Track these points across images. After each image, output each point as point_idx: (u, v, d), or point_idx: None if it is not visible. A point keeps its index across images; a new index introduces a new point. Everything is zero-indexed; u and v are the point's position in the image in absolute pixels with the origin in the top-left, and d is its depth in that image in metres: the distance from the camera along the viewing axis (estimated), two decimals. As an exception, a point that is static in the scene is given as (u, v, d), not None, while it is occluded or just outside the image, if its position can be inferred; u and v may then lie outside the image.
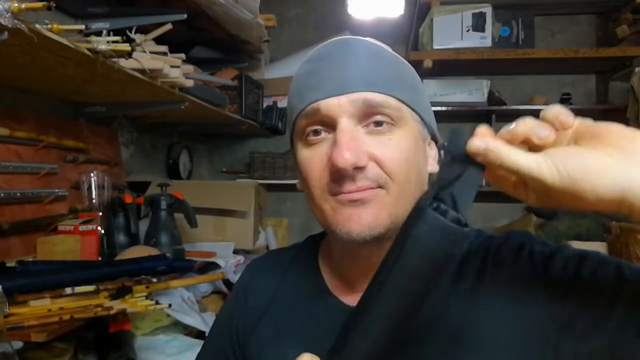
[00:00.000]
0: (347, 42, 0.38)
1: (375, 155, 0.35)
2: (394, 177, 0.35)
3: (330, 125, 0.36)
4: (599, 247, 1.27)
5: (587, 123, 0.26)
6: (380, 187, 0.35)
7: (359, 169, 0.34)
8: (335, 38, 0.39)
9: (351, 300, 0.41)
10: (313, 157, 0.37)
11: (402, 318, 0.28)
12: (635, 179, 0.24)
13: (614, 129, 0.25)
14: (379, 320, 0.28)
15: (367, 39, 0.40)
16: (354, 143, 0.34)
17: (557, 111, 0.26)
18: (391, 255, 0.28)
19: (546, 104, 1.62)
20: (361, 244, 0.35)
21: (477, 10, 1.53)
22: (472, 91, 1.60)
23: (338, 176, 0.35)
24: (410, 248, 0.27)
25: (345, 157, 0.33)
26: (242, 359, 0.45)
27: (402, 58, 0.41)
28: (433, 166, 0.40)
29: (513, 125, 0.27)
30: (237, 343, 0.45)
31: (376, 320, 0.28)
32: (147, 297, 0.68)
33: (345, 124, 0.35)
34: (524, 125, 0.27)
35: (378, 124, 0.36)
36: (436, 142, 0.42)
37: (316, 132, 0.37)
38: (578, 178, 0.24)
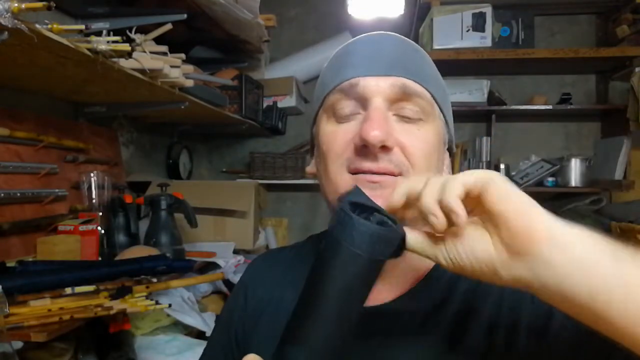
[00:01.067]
0: (387, 35, 0.39)
1: (402, 141, 0.35)
2: (416, 166, 0.35)
3: (363, 104, 0.36)
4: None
5: (489, 204, 0.26)
6: (400, 174, 0.35)
7: (384, 148, 0.34)
8: (371, 32, 0.40)
9: None
10: (338, 132, 0.36)
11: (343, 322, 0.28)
12: (520, 279, 0.25)
13: (512, 217, 0.25)
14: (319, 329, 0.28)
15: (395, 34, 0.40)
16: (384, 121, 0.34)
17: (452, 205, 0.25)
18: (324, 265, 0.28)
19: (546, 103, 1.62)
20: None
21: (477, 10, 1.53)
22: (472, 91, 1.60)
23: (363, 152, 0.34)
24: (342, 259, 0.27)
25: (375, 133, 0.33)
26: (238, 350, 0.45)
27: (426, 53, 0.41)
28: (445, 173, 0.40)
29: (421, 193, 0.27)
30: (236, 343, 0.45)
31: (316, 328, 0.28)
32: (147, 297, 0.68)
33: (379, 103, 0.35)
34: (424, 202, 0.27)
35: (407, 114, 0.36)
36: (450, 153, 0.42)
37: (346, 110, 0.37)
38: (469, 270, 0.26)
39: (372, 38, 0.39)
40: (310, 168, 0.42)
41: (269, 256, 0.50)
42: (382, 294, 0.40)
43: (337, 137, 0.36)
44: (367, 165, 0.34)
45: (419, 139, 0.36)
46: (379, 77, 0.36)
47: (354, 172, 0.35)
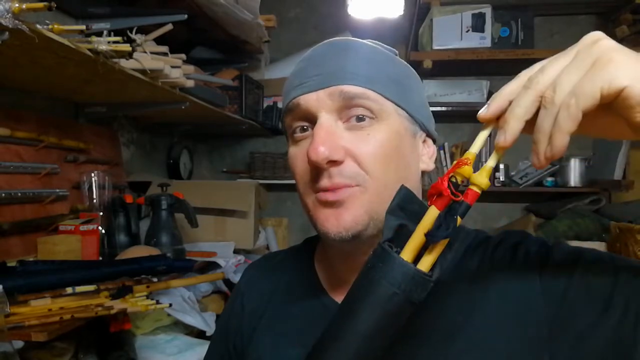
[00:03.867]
0: (336, 42, 0.38)
1: (352, 151, 0.35)
2: (372, 173, 0.35)
3: (312, 121, 0.36)
4: (598, 246, 1.27)
5: (631, 119, 0.23)
6: (357, 184, 0.35)
7: (334, 163, 0.34)
8: (333, 39, 0.40)
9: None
10: (298, 153, 0.37)
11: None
12: None
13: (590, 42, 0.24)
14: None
15: (366, 40, 0.39)
16: (329, 137, 0.34)
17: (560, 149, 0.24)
18: (358, 299, 0.28)
19: (546, 104, 1.62)
20: (341, 243, 0.36)
21: (476, 11, 1.54)
22: (471, 91, 1.60)
23: (315, 172, 0.35)
24: (379, 296, 0.27)
25: (319, 151, 0.33)
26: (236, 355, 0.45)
27: (398, 58, 0.40)
28: (427, 164, 0.40)
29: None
30: (233, 347, 0.46)
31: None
32: (147, 297, 0.68)
33: (324, 119, 0.35)
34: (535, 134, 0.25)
35: (359, 119, 0.35)
36: (434, 141, 0.42)
37: (302, 129, 0.37)
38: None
39: (317, 51, 0.39)
40: None
41: (265, 260, 0.50)
42: None
43: (296, 160, 0.37)
44: (322, 183, 0.35)
45: (370, 144, 0.35)
46: (318, 91, 0.36)
47: (316, 192, 0.36)
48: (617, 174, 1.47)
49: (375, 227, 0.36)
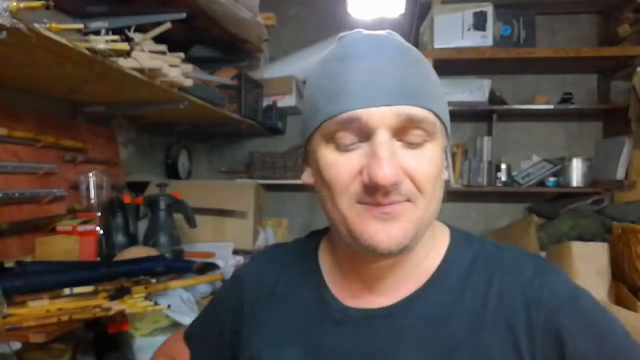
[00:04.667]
0: (378, 40, 0.36)
1: (409, 171, 0.35)
2: (424, 191, 0.35)
3: (365, 134, 0.35)
4: (600, 247, 1.26)
5: None
6: (408, 200, 0.35)
7: (396, 184, 0.34)
8: (359, 32, 0.38)
9: (351, 301, 0.40)
10: (342, 164, 0.35)
11: None
12: None
13: None
14: None
15: (391, 34, 0.38)
16: (392, 159, 0.34)
17: None
18: None
19: (547, 103, 1.61)
20: (385, 256, 0.36)
21: (478, 9, 1.53)
22: (473, 90, 1.59)
23: (372, 189, 0.34)
24: None
25: (386, 174, 0.33)
26: (230, 346, 0.45)
27: (423, 56, 0.39)
28: (445, 173, 0.40)
29: None
30: (229, 339, 0.46)
31: None
32: (145, 298, 0.67)
33: (385, 137, 0.34)
34: None
35: (414, 141, 0.35)
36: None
37: (346, 140, 0.35)
38: None
39: (369, 54, 0.35)
40: (306, 178, 0.41)
41: (270, 251, 0.50)
42: (383, 295, 0.40)
43: (340, 169, 0.35)
44: (378, 199, 0.34)
45: (425, 163, 0.35)
46: (381, 107, 0.34)
47: (362, 203, 0.35)
48: (620, 174, 1.47)
49: (416, 241, 0.36)
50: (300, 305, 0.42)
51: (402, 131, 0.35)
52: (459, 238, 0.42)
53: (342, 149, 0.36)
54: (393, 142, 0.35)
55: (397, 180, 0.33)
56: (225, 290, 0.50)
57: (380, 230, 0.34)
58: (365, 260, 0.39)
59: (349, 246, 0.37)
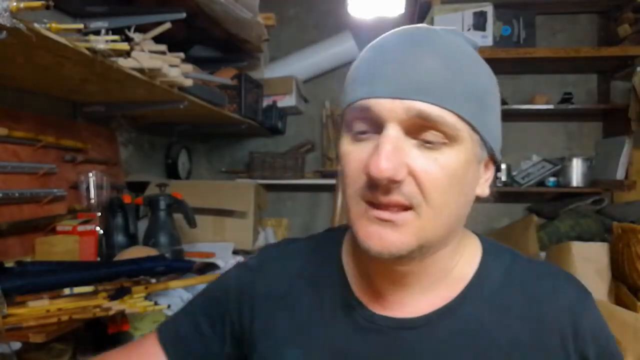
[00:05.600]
0: (415, 35, 0.34)
1: (415, 171, 0.32)
2: (429, 199, 0.32)
3: (378, 126, 0.33)
4: (600, 247, 1.26)
5: None
6: (411, 207, 0.33)
7: (394, 181, 0.32)
8: (414, 26, 0.36)
9: (378, 307, 0.38)
10: (354, 155, 0.34)
11: None
12: None
13: None
14: None
15: (446, 29, 0.35)
16: (395, 154, 0.31)
17: None
18: None
19: (547, 103, 1.61)
20: (386, 262, 0.35)
21: (478, 9, 1.53)
22: (472, 91, 1.59)
23: (372, 183, 0.33)
24: None
25: (381, 168, 0.31)
26: (247, 356, 0.42)
27: (481, 60, 0.36)
28: (483, 189, 0.37)
29: None
30: (230, 330, 0.43)
31: None
32: (145, 298, 0.67)
33: (393, 132, 0.32)
34: None
35: (430, 140, 0.32)
36: (494, 163, 0.38)
37: (361, 129, 0.34)
38: None
39: (394, 41, 0.34)
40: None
41: (284, 247, 0.46)
42: (411, 304, 0.38)
43: (351, 160, 0.34)
44: (378, 197, 0.32)
45: (436, 168, 0.32)
46: (393, 100, 0.32)
47: (367, 202, 0.34)
48: (620, 174, 1.47)
49: (421, 251, 0.34)
50: (322, 308, 0.39)
51: (416, 129, 0.32)
52: (489, 249, 0.40)
53: (357, 138, 0.34)
54: (404, 139, 0.33)
55: (395, 176, 0.31)
56: (227, 280, 0.44)
57: (374, 234, 0.33)
58: (383, 264, 0.37)
59: None
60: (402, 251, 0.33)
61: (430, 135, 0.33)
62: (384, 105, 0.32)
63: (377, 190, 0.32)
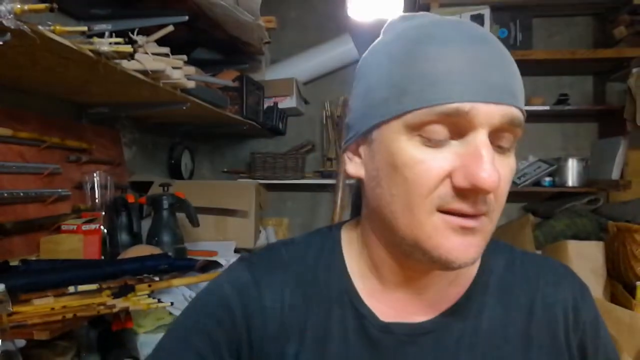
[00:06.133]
0: (468, 27, 0.32)
1: (500, 179, 0.30)
2: (500, 203, 0.32)
3: (462, 131, 0.30)
4: (596, 246, 1.27)
5: None
6: (487, 213, 0.31)
7: (494, 190, 0.30)
8: (430, 14, 0.33)
9: (390, 314, 0.36)
10: (429, 162, 0.30)
11: None
12: None
13: None
14: None
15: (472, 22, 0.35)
16: (493, 163, 0.29)
17: None
18: None
19: (544, 104, 1.63)
20: (453, 269, 0.32)
21: (475, 12, 1.54)
22: (470, 92, 1.60)
23: (463, 194, 0.30)
24: None
25: (492, 177, 0.28)
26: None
27: None
28: None
29: None
30: (236, 343, 0.36)
31: None
32: (149, 296, 0.68)
33: (485, 137, 0.30)
34: None
35: (504, 145, 0.31)
36: None
37: (439, 135, 0.30)
38: None
39: (464, 41, 0.30)
40: (354, 170, 0.35)
41: (276, 254, 0.40)
42: (425, 307, 0.36)
43: (428, 169, 0.30)
44: (465, 208, 0.30)
45: (508, 172, 0.32)
46: (489, 104, 0.29)
47: (444, 211, 0.31)
48: (615, 174, 1.48)
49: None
50: (332, 324, 0.36)
51: (498, 133, 0.31)
52: (489, 244, 0.37)
53: (432, 144, 0.30)
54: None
55: (497, 186, 0.29)
56: (215, 302, 0.37)
57: (460, 245, 0.31)
58: (420, 270, 0.35)
59: (405, 254, 0.33)
60: (478, 255, 0.32)
61: (505, 140, 0.31)
62: (482, 110, 0.29)
63: (466, 200, 0.30)
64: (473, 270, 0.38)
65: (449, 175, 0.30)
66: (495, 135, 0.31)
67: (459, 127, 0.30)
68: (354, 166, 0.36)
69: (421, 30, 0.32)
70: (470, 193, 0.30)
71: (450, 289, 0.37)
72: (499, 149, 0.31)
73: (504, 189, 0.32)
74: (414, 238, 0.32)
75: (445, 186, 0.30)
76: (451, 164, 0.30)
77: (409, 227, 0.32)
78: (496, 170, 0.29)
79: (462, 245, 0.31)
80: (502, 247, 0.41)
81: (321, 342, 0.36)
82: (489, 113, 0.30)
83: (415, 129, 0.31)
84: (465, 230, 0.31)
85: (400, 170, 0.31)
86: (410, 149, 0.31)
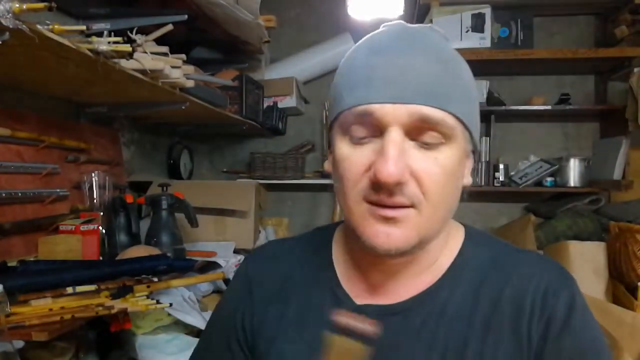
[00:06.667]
0: (411, 37, 0.35)
1: (417, 172, 0.34)
2: (429, 197, 0.34)
3: (378, 130, 0.34)
4: (598, 247, 1.27)
5: None
6: (412, 205, 0.34)
7: (400, 183, 0.33)
8: (399, 24, 0.37)
9: (367, 298, 0.40)
10: (354, 158, 0.35)
11: None
12: None
13: None
14: None
15: (432, 29, 0.37)
16: (400, 157, 0.33)
17: None
18: None
19: (545, 104, 1.62)
20: (387, 257, 0.36)
21: (476, 11, 1.54)
22: (471, 91, 1.59)
23: (376, 186, 0.34)
24: None
25: (390, 172, 0.32)
26: (250, 354, 0.43)
27: (459, 56, 0.37)
28: (467, 179, 0.39)
29: None
30: (243, 337, 0.44)
31: None
32: (148, 297, 0.68)
33: (396, 135, 0.33)
34: None
35: (428, 141, 0.34)
36: (474, 152, 0.39)
37: (360, 134, 0.35)
38: None
39: (391, 44, 0.35)
40: (328, 166, 0.41)
41: (271, 247, 0.49)
42: (398, 292, 0.39)
43: (352, 164, 0.35)
44: (382, 198, 0.34)
45: (435, 167, 0.34)
46: (396, 105, 0.33)
47: (368, 201, 0.35)
48: (617, 174, 1.47)
49: (420, 245, 0.36)
50: (312, 304, 0.41)
51: (416, 131, 0.34)
52: (474, 237, 0.42)
53: (355, 142, 0.35)
54: (405, 141, 0.34)
55: (401, 180, 0.33)
56: (231, 297, 0.47)
57: (381, 232, 0.34)
58: (381, 261, 0.39)
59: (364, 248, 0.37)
60: (407, 246, 0.35)
61: (428, 136, 0.34)
62: (387, 110, 0.33)
63: (381, 192, 0.34)
64: (448, 260, 0.40)
65: (369, 170, 0.34)
66: (416, 133, 0.34)
67: (375, 127, 0.34)
68: (327, 163, 0.41)
69: (366, 41, 0.37)
70: (383, 185, 0.33)
71: (421, 277, 0.40)
72: (424, 144, 0.34)
73: (430, 181, 0.34)
74: (352, 225, 0.37)
75: (366, 180, 0.35)
76: (369, 160, 0.34)
77: (347, 216, 0.37)
78: (400, 165, 0.33)
79: (383, 233, 0.35)
80: (492, 242, 0.43)
81: (301, 317, 0.41)
82: (396, 113, 0.33)
83: (345, 129, 0.36)
84: (387, 219, 0.34)
85: (337, 165, 0.37)
86: (342, 147, 0.36)
